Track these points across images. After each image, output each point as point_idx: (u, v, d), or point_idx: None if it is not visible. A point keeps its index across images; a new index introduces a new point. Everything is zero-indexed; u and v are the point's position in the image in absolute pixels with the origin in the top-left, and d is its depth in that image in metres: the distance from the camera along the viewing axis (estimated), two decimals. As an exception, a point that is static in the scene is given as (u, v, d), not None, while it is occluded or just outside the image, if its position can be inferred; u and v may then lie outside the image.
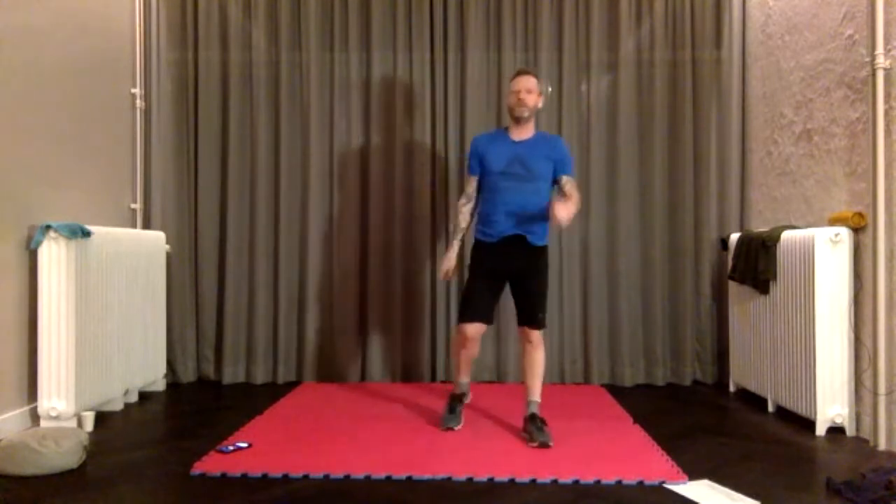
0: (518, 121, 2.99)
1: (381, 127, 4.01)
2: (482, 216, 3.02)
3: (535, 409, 2.88)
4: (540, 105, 3.04)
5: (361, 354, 4.02)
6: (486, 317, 2.94)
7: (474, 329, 2.93)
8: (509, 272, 2.96)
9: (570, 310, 3.97)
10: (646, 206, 3.99)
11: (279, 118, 4.00)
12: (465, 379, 3.07)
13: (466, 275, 3.11)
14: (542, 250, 2.98)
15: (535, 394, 2.92)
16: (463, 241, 3.22)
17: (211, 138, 4.04)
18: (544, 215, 2.93)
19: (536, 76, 3.01)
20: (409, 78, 4.00)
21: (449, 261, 3.11)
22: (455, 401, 3.00)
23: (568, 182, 2.98)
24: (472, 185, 3.11)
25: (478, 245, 3.02)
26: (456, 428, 2.86)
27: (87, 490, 2.21)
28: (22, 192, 2.94)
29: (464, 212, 3.12)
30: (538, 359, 2.94)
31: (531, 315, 2.92)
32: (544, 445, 2.67)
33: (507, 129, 3.06)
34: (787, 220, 3.46)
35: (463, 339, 2.96)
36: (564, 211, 2.68)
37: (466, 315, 2.93)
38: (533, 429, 2.76)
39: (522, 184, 2.93)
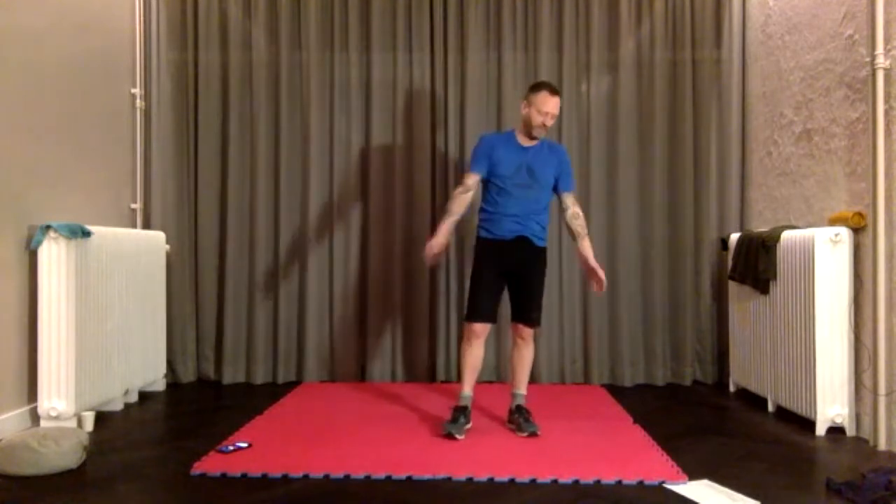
0: (531, 138, 3.01)
1: (380, 127, 4.01)
2: (487, 216, 3.03)
3: (521, 402, 3.00)
4: None
5: (361, 354, 4.02)
6: (493, 316, 3.00)
7: (482, 327, 2.96)
8: (512, 270, 3.00)
9: (570, 310, 3.97)
10: (646, 206, 3.99)
11: (279, 118, 4.00)
12: (468, 391, 2.97)
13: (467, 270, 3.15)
14: (544, 251, 3.06)
15: (523, 387, 3.04)
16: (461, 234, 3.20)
17: (211, 138, 4.03)
18: (545, 219, 3.06)
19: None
20: (409, 78, 4.00)
21: (439, 245, 2.95)
22: (458, 412, 2.89)
23: (575, 210, 3.04)
24: (472, 180, 3.01)
25: (482, 243, 3.04)
26: (458, 436, 2.76)
27: (87, 490, 2.21)
28: (22, 192, 2.94)
29: (461, 199, 2.99)
30: (528, 355, 3.04)
31: (528, 314, 2.99)
32: (533, 435, 2.81)
33: (514, 133, 3.07)
34: (787, 220, 3.46)
35: (470, 336, 2.96)
36: (596, 272, 2.94)
37: (475, 315, 2.96)
38: (521, 420, 2.88)
39: (527, 191, 2.98)
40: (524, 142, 3.03)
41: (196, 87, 4.03)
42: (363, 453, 2.58)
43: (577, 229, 3.02)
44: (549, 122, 2.97)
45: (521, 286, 3.00)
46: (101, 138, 3.56)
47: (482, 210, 3.06)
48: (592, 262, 2.95)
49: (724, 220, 3.97)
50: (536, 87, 2.99)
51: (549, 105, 2.93)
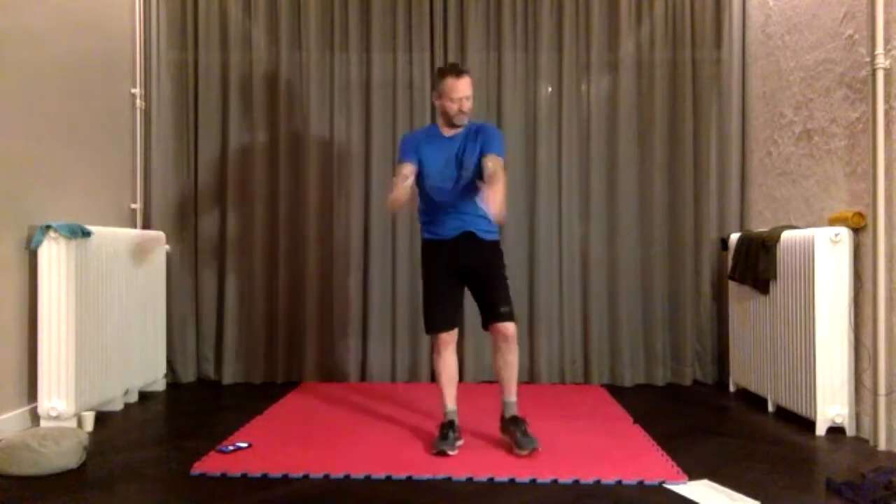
0: (453, 127, 2.78)
1: (381, 127, 4.01)
2: (427, 218, 2.84)
3: (514, 411, 2.74)
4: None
5: (361, 354, 4.02)
6: (455, 322, 2.81)
7: (448, 336, 2.77)
8: (465, 271, 2.79)
9: (570, 310, 3.97)
10: (646, 206, 3.99)
11: (279, 118, 4.00)
12: (451, 405, 2.76)
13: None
14: (495, 244, 2.84)
15: (513, 394, 2.76)
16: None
17: (211, 138, 4.03)
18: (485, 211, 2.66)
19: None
20: (409, 78, 4.00)
21: (403, 191, 2.63)
22: (446, 428, 2.66)
23: (491, 159, 2.66)
24: (408, 169, 2.72)
25: (428, 245, 2.85)
26: (450, 452, 2.55)
27: (87, 490, 2.21)
28: (22, 192, 2.94)
29: (404, 186, 2.67)
30: (513, 359, 2.75)
31: (496, 309, 2.70)
32: (534, 451, 2.56)
33: (436, 126, 2.86)
34: (787, 220, 3.46)
35: (440, 347, 2.77)
36: (493, 201, 2.42)
37: (434, 326, 2.76)
38: (519, 435, 2.59)
39: (462, 185, 2.75)
40: (448, 132, 2.80)
41: (196, 87, 4.03)
42: (363, 453, 2.58)
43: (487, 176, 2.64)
44: (467, 106, 2.71)
45: (481, 285, 2.76)
46: (101, 138, 3.56)
47: (420, 212, 2.86)
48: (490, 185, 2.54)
49: (724, 220, 3.97)
50: (440, 74, 2.74)
51: (458, 90, 2.68)
